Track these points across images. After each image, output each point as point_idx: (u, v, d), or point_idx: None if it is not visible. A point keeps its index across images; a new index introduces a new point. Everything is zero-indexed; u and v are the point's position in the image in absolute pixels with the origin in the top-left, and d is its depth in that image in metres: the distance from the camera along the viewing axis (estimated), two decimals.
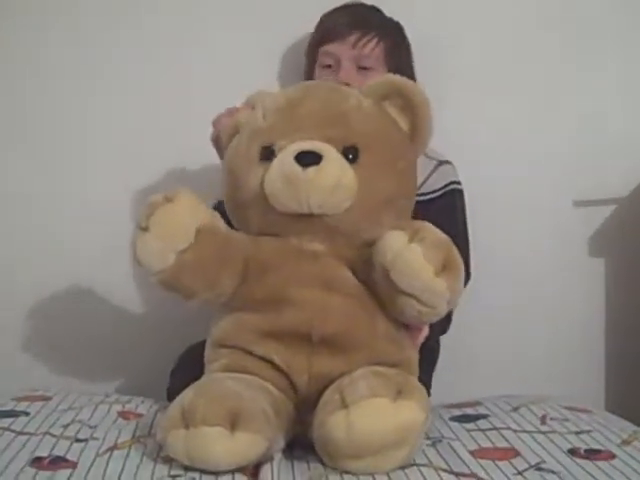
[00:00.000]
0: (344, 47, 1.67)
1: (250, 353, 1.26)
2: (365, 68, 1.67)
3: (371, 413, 1.11)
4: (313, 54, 1.74)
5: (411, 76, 1.71)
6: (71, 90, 1.90)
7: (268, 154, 1.27)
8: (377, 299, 1.25)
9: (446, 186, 1.71)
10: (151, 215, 1.22)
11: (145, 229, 1.22)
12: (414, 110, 1.32)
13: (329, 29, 1.72)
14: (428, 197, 1.69)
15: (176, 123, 1.84)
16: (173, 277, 1.23)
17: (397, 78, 1.35)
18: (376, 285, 1.23)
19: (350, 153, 1.26)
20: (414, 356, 1.33)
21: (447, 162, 1.74)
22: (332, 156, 1.23)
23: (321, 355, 1.24)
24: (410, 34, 1.76)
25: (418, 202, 1.65)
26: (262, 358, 1.26)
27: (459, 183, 1.74)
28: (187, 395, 1.16)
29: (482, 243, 1.83)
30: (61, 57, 1.90)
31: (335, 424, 1.12)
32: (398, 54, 1.71)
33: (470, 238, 1.72)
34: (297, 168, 1.21)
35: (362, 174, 1.26)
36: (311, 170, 1.21)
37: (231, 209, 1.35)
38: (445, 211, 1.68)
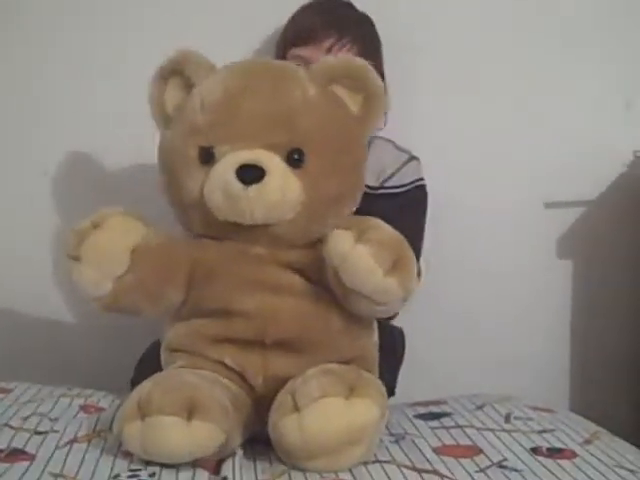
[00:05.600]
0: (317, 51, 1.61)
1: (204, 356, 1.25)
2: None
3: (323, 414, 1.10)
4: (283, 55, 1.68)
5: (382, 75, 1.70)
6: None
7: (208, 157, 1.21)
8: (331, 295, 1.22)
9: (414, 182, 1.71)
10: (80, 244, 1.19)
11: (77, 259, 1.19)
12: (367, 91, 1.26)
13: (302, 31, 1.66)
14: (397, 190, 1.69)
15: None
16: (114, 302, 1.22)
17: (344, 58, 1.32)
18: (329, 284, 1.21)
19: (295, 156, 1.21)
20: (373, 351, 1.32)
21: (416, 158, 1.75)
22: (276, 169, 1.18)
23: (276, 357, 1.23)
24: (382, 30, 1.75)
25: (386, 195, 1.66)
26: (216, 361, 1.25)
27: (424, 180, 1.74)
28: (144, 387, 1.15)
29: (450, 243, 1.84)
30: None
31: (287, 428, 1.11)
32: (370, 55, 1.62)
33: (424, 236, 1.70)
34: (238, 185, 1.16)
35: (308, 179, 1.21)
36: (253, 188, 1.16)
37: (171, 204, 1.30)
38: (410, 206, 1.68)
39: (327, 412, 1.10)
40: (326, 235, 1.19)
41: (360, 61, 1.29)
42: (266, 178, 1.16)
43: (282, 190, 1.18)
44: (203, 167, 1.21)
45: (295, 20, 1.71)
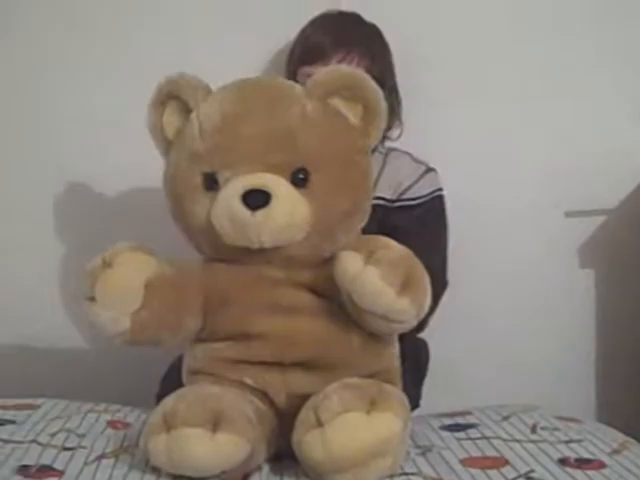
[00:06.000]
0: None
1: (224, 377, 1.25)
2: None
3: (346, 429, 1.09)
4: (293, 73, 1.68)
5: (393, 86, 1.71)
6: None
7: (212, 183, 1.21)
8: (347, 313, 1.21)
9: (432, 193, 1.72)
10: (94, 284, 1.20)
11: (92, 299, 1.20)
12: (366, 100, 1.25)
13: (310, 49, 1.67)
14: (414, 202, 1.69)
15: None
16: (134, 336, 1.22)
17: (341, 70, 1.30)
18: (343, 303, 1.20)
19: (300, 176, 1.20)
20: (394, 363, 1.32)
21: (433, 170, 1.75)
22: (282, 192, 1.17)
23: (296, 375, 1.23)
24: (393, 39, 1.75)
25: (403, 207, 1.66)
26: (236, 381, 1.25)
27: (442, 190, 1.74)
28: (169, 401, 1.16)
29: (473, 253, 1.84)
30: None
31: (311, 443, 1.11)
32: (380, 66, 1.68)
33: (449, 245, 1.71)
34: (245, 212, 1.15)
35: (315, 198, 1.20)
36: (260, 213, 1.15)
37: (181, 230, 1.30)
38: (428, 217, 1.69)
39: (350, 426, 1.10)
40: (336, 256, 1.19)
41: (355, 70, 1.29)
42: (273, 202, 1.16)
43: (289, 213, 1.17)
44: (208, 193, 1.21)
45: (304, 38, 1.72)
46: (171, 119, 1.28)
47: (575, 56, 1.92)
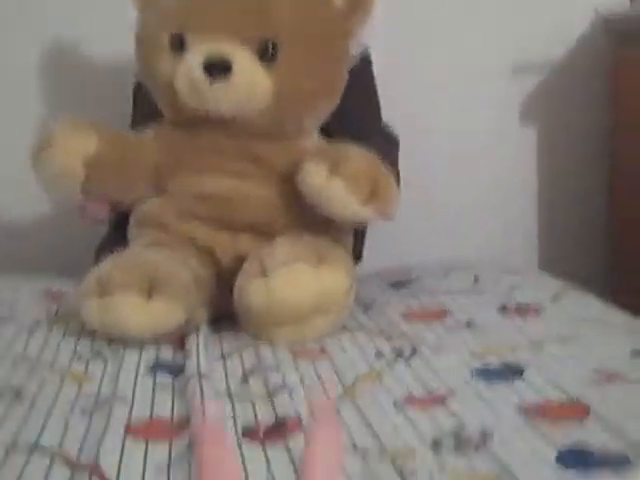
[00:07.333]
0: None
1: (174, 232, 1.24)
2: None
3: (291, 279, 1.09)
4: None
5: None
6: None
7: (178, 44, 1.20)
8: None
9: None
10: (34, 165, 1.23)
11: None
12: None
13: None
14: None
15: None
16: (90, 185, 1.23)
17: None
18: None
19: (268, 49, 1.18)
20: (347, 235, 1.31)
21: None
22: (243, 64, 1.16)
23: (245, 238, 1.23)
24: None
25: None
26: (185, 236, 1.24)
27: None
28: (104, 264, 1.14)
29: (418, 111, 1.80)
30: None
31: (254, 291, 1.09)
32: None
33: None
34: (204, 79, 1.16)
35: (281, 73, 1.19)
36: (218, 84, 1.15)
37: (148, 88, 1.30)
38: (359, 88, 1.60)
39: (296, 277, 1.09)
40: (301, 165, 1.17)
41: None
42: (233, 73, 1.15)
43: (248, 86, 1.17)
44: (173, 54, 1.20)
45: None
46: None
47: None
